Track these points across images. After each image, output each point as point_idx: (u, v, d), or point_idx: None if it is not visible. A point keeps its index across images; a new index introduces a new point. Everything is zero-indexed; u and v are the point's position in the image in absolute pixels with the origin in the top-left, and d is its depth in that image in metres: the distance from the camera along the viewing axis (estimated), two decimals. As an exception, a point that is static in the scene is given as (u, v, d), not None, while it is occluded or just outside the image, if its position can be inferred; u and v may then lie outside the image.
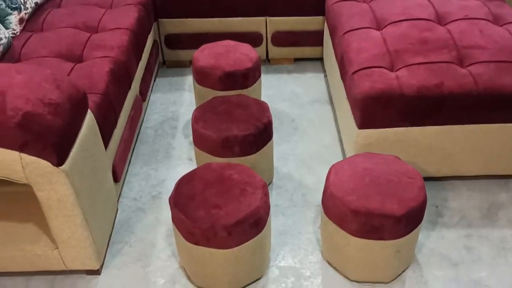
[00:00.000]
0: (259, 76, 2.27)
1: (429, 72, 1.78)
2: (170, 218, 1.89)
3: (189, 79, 2.77)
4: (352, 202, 1.46)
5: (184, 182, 1.56)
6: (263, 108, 1.90)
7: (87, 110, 1.59)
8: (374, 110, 1.76)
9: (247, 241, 1.48)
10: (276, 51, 2.81)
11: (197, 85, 2.25)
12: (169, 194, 2.00)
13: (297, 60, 2.90)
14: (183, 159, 2.20)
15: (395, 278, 1.63)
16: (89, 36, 2.15)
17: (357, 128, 1.83)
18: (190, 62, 2.89)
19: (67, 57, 2.02)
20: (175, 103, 2.57)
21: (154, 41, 2.71)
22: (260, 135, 1.82)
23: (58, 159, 1.38)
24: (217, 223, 1.42)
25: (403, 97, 1.74)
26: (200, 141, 1.84)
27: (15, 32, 2.13)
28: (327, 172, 2.08)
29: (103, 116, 1.75)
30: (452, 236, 1.79)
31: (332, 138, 2.30)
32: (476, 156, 1.90)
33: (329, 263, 1.70)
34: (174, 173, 2.12)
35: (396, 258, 1.53)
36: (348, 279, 1.64)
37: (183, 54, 2.83)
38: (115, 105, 1.89)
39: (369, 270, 1.57)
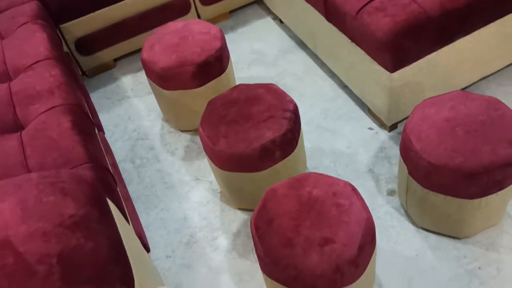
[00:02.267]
0: (229, 55, 1.87)
1: (443, -18, 1.53)
2: (224, 263, 1.56)
3: (125, 82, 2.26)
4: (463, 165, 1.24)
5: (264, 228, 1.22)
6: (277, 92, 1.55)
7: (105, 201, 1.14)
8: (404, 46, 1.51)
9: (369, 260, 1.23)
10: (208, 11, 2.37)
11: (162, 91, 1.81)
12: (203, 233, 1.64)
13: (232, 12, 2.49)
14: (188, 182, 1.81)
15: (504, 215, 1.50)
16: (8, 86, 1.58)
17: (388, 72, 1.57)
18: (115, 60, 2.36)
19: (-1, 129, 1.47)
20: (130, 118, 2.09)
21: (66, 53, 2.13)
22: (295, 126, 1.49)
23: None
24: (341, 261, 1.14)
25: (431, 21, 1.49)
26: (227, 162, 1.47)
27: None
28: (352, 129, 1.84)
29: (109, 189, 1.31)
30: None
31: (331, 88, 2.02)
32: (504, 48, 1.76)
33: (425, 229, 1.51)
34: (190, 204, 1.73)
35: (510, 196, 1.38)
36: (458, 238, 1.48)
37: (103, 56, 2.28)
38: (104, 164, 1.42)
39: (484, 221, 1.40)
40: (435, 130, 1.33)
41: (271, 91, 1.56)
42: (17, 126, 1.49)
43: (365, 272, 1.23)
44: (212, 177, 1.80)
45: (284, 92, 1.55)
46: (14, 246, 0.89)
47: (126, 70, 2.33)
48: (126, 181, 1.86)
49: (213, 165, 1.54)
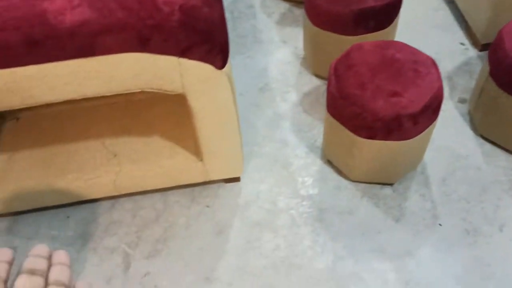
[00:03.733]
0: None
1: None
2: (289, 112, 1.71)
3: None
4: (548, 71, 1.29)
5: (343, 70, 1.35)
6: (389, -29, 1.62)
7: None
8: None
9: (428, 127, 1.33)
10: None
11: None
12: (277, 84, 1.79)
13: None
14: (276, 42, 1.95)
15: None
16: None
17: (502, -16, 1.59)
18: None
19: None
20: (240, -22, 2.23)
21: None
22: (397, 3, 1.57)
23: (223, 60, 1.14)
24: (402, 113, 1.25)
25: None
26: (323, 19, 1.58)
27: None
28: (443, 39, 1.88)
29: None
30: None
31: (436, 0, 2.05)
32: None
33: (484, 137, 1.59)
34: (272, 59, 1.88)
35: None
36: (512, 152, 1.55)
37: None
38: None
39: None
40: (531, 36, 1.37)
41: (384, -32, 1.63)
42: None
43: (419, 137, 1.33)
44: (298, 43, 1.92)
45: (396, -27, 1.61)
46: (148, -13, 1.05)
47: None
48: (222, 27, 2.02)
49: (308, 21, 1.65)
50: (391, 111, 1.25)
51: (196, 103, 1.21)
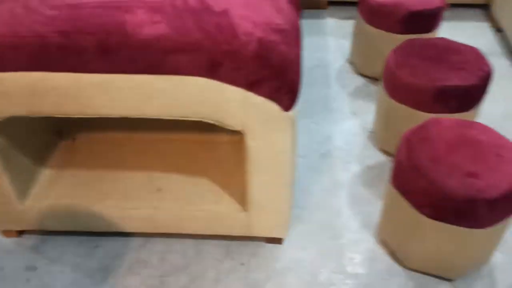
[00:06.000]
0: (442, 19, 1.90)
1: None
2: (348, 182, 1.60)
3: (329, 23, 2.40)
4: None
5: (417, 141, 1.24)
6: (477, 54, 1.54)
7: (300, 36, 1.27)
8: None
9: (504, 218, 1.18)
10: (432, -6, 2.41)
11: (366, 25, 1.90)
12: (339, 153, 1.70)
13: (453, 6, 2.50)
14: (345, 113, 1.88)
15: None
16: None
17: None
18: (328, 3, 2.52)
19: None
20: (319, 49, 2.23)
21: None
22: (482, 87, 1.47)
23: (291, 102, 1.08)
24: (478, 196, 1.11)
25: None
26: (402, 92, 1.51)
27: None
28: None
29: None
30: None
31: (523, 99, 1.94)
32: None
33: None
34: (339, 128, 1.81)
35: None
36: None
37: (321, -6, 2.46)
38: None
39: None
40: None
41: (472, 51, 1.55)
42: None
43: (492, 229, 1.17)
44: (368, 117, 1.84)
45: (484, 56, 1.53)
46: (231, 16, 1.04)
47: (334, 15, 2.47)
48: (293, 90, 2.00)
49: (384, 92, 1.58)
50: (464, 192, 1.11)
51: (253, 143, 1.14)
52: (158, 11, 1.02)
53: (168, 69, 1.01)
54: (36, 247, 1.42)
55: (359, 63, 2.04)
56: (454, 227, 1.16)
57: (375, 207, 1.52)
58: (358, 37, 1.99)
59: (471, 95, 1.45)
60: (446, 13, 2.45)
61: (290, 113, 1.09)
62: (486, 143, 1.23)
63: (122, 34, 0.99)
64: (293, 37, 1.12)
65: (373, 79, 2.03)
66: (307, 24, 2.40)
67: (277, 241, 1.43)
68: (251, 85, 1.03)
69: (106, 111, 1.10)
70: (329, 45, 2.25)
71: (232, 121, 1.10)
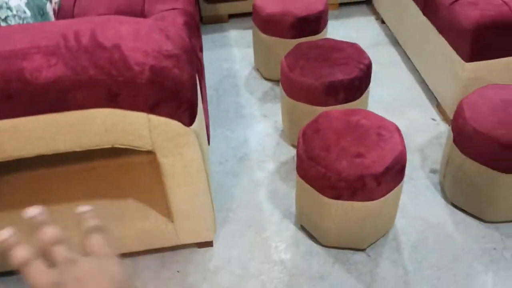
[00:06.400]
0: (327, 21, 2.11)
1: (539, -6, 1.66)
2: (266, 180, 1.75)
3: (232, 35, 2.56)
4: (504, 136, 1.35)
5: (311, 134, 1.41)
6: (358, 49, 1.75)
7: (196, 62, 1.40)
8: (485, 40, 1.64)
9: (393, 189, 1.36)
10: (321, -3, 2.63)
11: (261, 35, 2.07)
12: (255, 155, 1.85)
13: (341, 5, 2.73)
14: (257, 117, 2.04)
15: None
16: (144, -11, 1.92)
17: (463, 62, 1.70)
18: (229, 16, 2.68)
19: (128, 13, 1.79)
20: (226, 60, 2.38)
21: (192, -5, 2.48)
22: (364, 78, 1.67)
23: (190, 118, 1.21)
24: (365, 173, 1.29)
25: (517, 23, 1.62)
26: (297, 91, 1.68)
27: (59, -10, 1.88)
28: (415, 115, 1.97)
29: (197, 71, 1.57)
30: None
31: (408, 79, 2.17)
32: None
33: (455, 205, 1.60)
34: (252, 132, 1.96)
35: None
36: (483, 221, 1.55)
37: (221, 8, 2.61)
38: (200, 60, 1.70)
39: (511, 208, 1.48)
40: (489, 105, 1.44)
41: (353, 47, 1.75)
42: (141, 15, 1.81)
43: (384, 199, 1.36)
44: (278, 117, 2.01)
45: (364, 51, 1.73)
46: (122, 50, 1.15)
47: (236, 26, 2.63)
48: (207, 102, 2.13)
49: (284, 93, 1.75)
50: (354, 171, 1.29)
51: (165, 160, 1.26)
52: (53, 54, 1.11)
53: (70, 106, 1.11)
54: (-26, 295, 1.45)
55: (263, 69, 2.20)
56: (352, 202, 1.33)
57: (292, 198, 1.68)
58: (257, 46, 2.15)
59: (355, 86, 1.65)
60: (336, 13, 2.68)
61: (192, 127, 1.22)
62: (368, 126, 1.41)
63: (22, 80, 1.08)
64: (185, 59, 1.24)
65: (277, 82, 2.20)
66: (212, 38, 2.54)
67: (208, 244, 1.55)
68: (152, 108, 1.15)
69: (18, 153, 1.18)
70: (235, 55, 2.41)
71: (141, 143, 1.21)
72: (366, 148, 1.34)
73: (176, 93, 1.15)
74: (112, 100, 1.12)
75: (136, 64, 1.13)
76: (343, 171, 1.30)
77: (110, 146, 1.21)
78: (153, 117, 1.16)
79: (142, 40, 1.20)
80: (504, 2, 1.66)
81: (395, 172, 1.33)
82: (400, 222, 1.57)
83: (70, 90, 1.09)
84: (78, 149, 1.20)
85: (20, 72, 1.08)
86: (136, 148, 1.22)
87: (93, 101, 1.12)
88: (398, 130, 1.41)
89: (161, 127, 1.18)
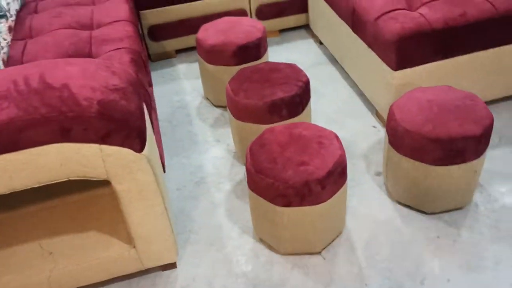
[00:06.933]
0: (267, 46, 2.25)
1: (449, 5, 1.85)
2: (223, 200, 1.83)
3: (181, 68, 2.68)
4: (431, 132, 1.49)
5: (257, 149, 1.51)
6: (295, 69, 1.88)
7: (143, 93, 1.49)
8: (408, 49, 1.80)
9: (337, 191, 1.47)
10: (261, 25, 2.79)
11: (207, 65, 2.18)
12: (212, 177, 1.93)
13: (282, 31, 2.90)
14: (210, 142, 2.13)
15: (470, 201, 1.68)
16: (90, 33, 2.01)
17: (392, 71, 1.86)
18: (176, 51, 2.79)
19: (76, 57, 1.88)
20: (177, 92, 2.48)
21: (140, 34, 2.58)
22: (303, 94, 1.80)
23: (141, 145, 1.29)
24: (310, 178, 1.39)
25: (434, 32, 1.79)
26: (243, 113, 1.79)
27: (7, 41, 1.95)
28: (357, 124, 2.12)
29: (145, 102, 1.65)
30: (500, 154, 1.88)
31: (348, 93, 2.32)
32: (500, 78, 2.00)
33: (400, 203, 1.73)
34: (207, 156, 2.05)
35: (474, 180, 1.58)
36: (425, 213, 1.68)
37: (168, 45, 2.72)
38: (148, 92, 1.79)
39: (448, 198, 1.61)
40: (416, 106, 1.59)
41: (291, 67, 1.89)
42: (89, 57, 1.90)
43: (331, 202, 1.46)
44: (230, 140, 2.11)
45: (301, 69, 1.87)
46: (70, 88, 1.23)
47: (184, 60, 2.75)
48: (161, 134, 2.21)
49: (231, 116, 1.85)
50: (300, 178, 1.40)
51: (120, 187, 1.33)
52: (5, 98, 1.18)
53: (24, 144, 1.17)
54: None
55: (212, 97, 2.31)
56: (301, 208, 1.43)
57: (249, 214, 1.76)
58: (204, 76, 2.27)
59: (296, 102, 1.77)
60: (277, 39, 2.85)
61: (143, 153, 1.30)
62: (309, 136, 1.53)
63: (-24, 124, 1.14)
64: (131, 91, 1.33)
65: (226, 108, 2.31)
66: (161, 73, 2.65)
67: (171, 266, 1.61)
68: (103, 139, 1.23)
69: (-22, 194, 1.23)
70: (184, 87, 2.51)
71: (96, 173, 1.28)
72: (309, 156, 1.45)
73: (124, 123, 1.24)
74: (64, 135, 1.19)
75: (85, 99, 1.21)
76: (289, 179, 1.40)
77: (66, 179, 1.27)
78: (105, 147, 1.24)
79: (89, 78, 1.29)
80: (421, 14, 1.84)
81: (337, 174, 1.44)
82: (351, 223, 1.68)
83: (22, 129, 1.16)
84: (35, 185, 1.26)
85: (-27, 117, 1.15)
86: (91, 179, 1.29)
87: (46, 138, 1.18)
88: (337, 137, 1.53)
89: (113, 155, 1.26)
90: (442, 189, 1.58)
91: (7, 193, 1.25)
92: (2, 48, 1.77)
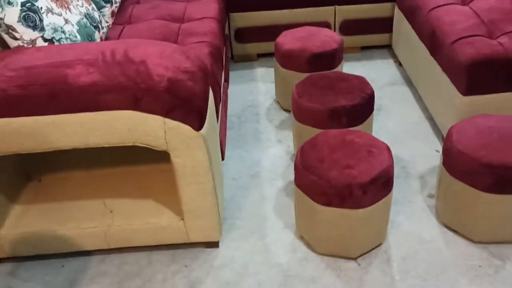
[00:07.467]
0: (342, 58, 2.31)
1: (531, 37, 1.80)
2: (273, 195, 1.91)
3: (259, 71, 2.81)
4: (485, 157, 1.47)
5: (308, 148, 1.58)
6: (362, 81, 1.93)
7: (212, 82, 1.62)
8: (480, 75, 1.79)
9: (379, 200, 1.50)
10: (344, 40, 2.85)
11: (281, 69, 2.29)
12: (267, 173, 2.03)
13: (363, 48, 2.94)
14: (272, 141, 2.23)
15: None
16: (179, 26, 2.21)
17: (461, 95, 1.85)
18: (258, 55, 2.94)
19: (163, 44, 2.07)
20: (251, 93, 2.61)
21: (226, 35, 2.76)
22: (366, 106, 1.84)
23: (199, 124, 1.42)
24: (352, 182, 1.44)
25: (509, 61, 1.76)
26: (304, 115, 1.87)
27: (108, 24, 2.20)
28: (420, 146, 2.11)
29: (213, 90, 1.79)
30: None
31: (418, 115, 2.32)
32: None
33: (447, 226, 1.70)
34: (266, 154, 2.15)
35: (527, 213, 1.53)
36: (472, 241, 1.64)
37: (251, 48, 2.88)
38: (218, 83, 1.93)
39: (498, 228, 1.57)
40: (476, 130, 1.57)
41: (359, 79, 1.94)
42: (174, 46, 2.08)
43: (371, 209, 1.49)
44: (291, 143, 2.19)
45: (368, 83, 1.91)
46: (147, 64, 1.39)
47: (263, 65, 2.89)
48: (228, 127, 2.35)
49: (293, 118, 1.94)
50: (343, 180, 1.44)
51: (177, 160, 1.46)
52: (92, 65, 1.37)
53: (102, 106, 1.35)
54: (12, 272, 1.67)
55: (282, 101, 2.42)
56: (340, 209, 1.48)
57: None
58: (277, 79, 2.37)
59: (357, 112, 1.82)
60: (357, 55, 2.89)
61: (201, 132, 1.43)
62: (360, 144, 1.57)
63: (65, 83, 1.33)
64: (200, 76, 1.47)
65: (295, 112, 2.40)
66: (241, 74, 2.80)
67: (214, 245, 1.72)
68: (167, 113, 1.37)
69: (58, 145, 1.42)
70: (259, 89, 2.64)
71: (157, 143, 1.42)
72: (356, 161, 1.50)
73: (188, 101, 1.38)
74: (135, 103, 1.35)
75: (157, 75, 1.37)
76: (333, 179, 1.45)
77: (131, 144, 1.43)
78: (168, 120, 1.38)
79: (165, 58, 1.45)
80: (500, 43, 1.82)
81: (381, 184, 1.47)
82: (393, 237, 1.69)
83: (102, 93, 1.33)
84: (105, 145, 1.43)
85: (64, 77, 1.34)
86: (153, 148, 1.44)
87: (120, 104, 1.35)
88: (388, 149, 1.56)
89: (174, 129, 1.40)
90: (492, 218, 1.54)
91: (81, 147, 1.43)
92: (103, 28, 2.00)
